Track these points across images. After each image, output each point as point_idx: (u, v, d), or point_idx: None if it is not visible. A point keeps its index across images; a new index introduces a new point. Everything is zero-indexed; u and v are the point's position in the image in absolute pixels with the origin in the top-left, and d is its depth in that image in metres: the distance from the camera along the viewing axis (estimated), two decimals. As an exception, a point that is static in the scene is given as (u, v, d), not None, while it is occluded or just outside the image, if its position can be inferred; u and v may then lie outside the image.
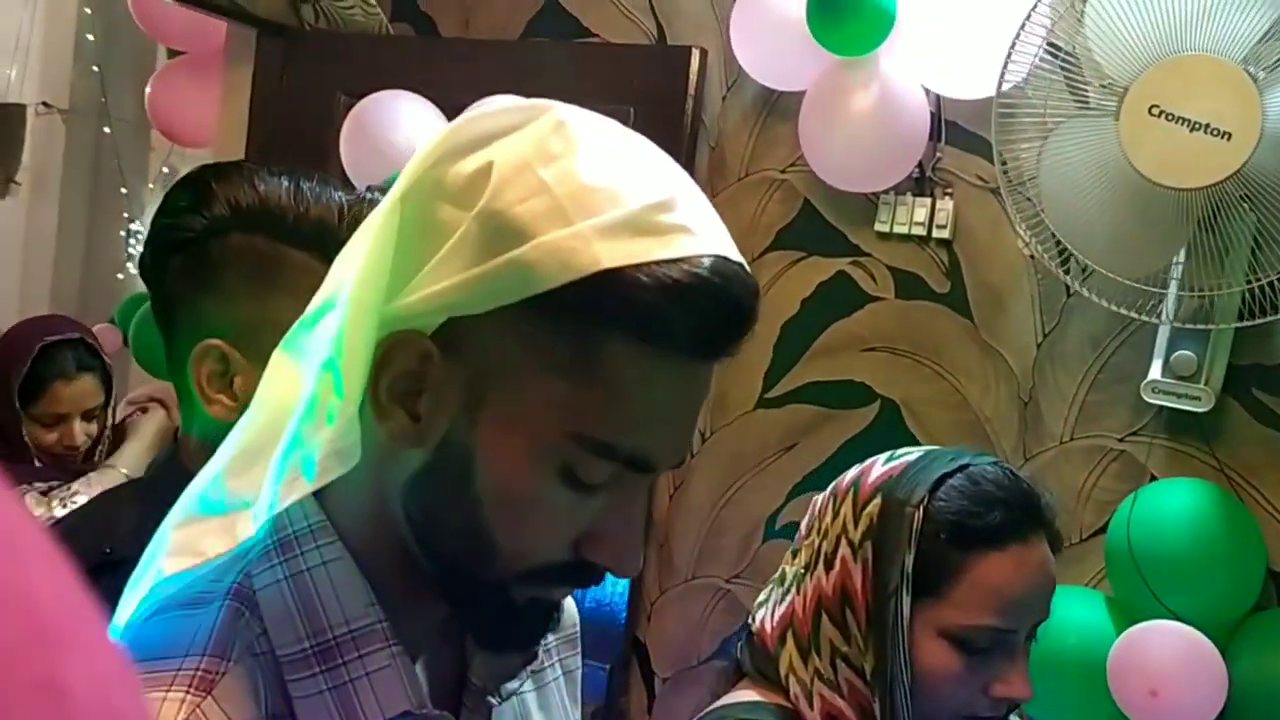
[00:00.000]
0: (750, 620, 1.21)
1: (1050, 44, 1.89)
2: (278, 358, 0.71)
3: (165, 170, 3.76)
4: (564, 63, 2.48)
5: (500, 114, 0.68)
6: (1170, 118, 1.69)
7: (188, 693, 0.64)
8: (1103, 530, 2.02)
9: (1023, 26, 1.85)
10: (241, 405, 1.04)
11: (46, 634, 0.23)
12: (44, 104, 3.86)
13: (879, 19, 2.03)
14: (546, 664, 0.90)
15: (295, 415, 0.68)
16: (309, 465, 0.66)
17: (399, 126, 2.38)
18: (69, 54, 3.87)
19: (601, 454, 0.66)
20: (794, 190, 2.34)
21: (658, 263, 0.63)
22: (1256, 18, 1.67)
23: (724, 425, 2.36)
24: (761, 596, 1.21)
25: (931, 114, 2.14)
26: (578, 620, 0.95)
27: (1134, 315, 1.87)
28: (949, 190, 2.20)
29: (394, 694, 0.70)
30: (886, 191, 2.22)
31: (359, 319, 0.66)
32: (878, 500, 1.12)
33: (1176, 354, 1.91)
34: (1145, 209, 1.76)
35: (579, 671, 0.95)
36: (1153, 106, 1.70)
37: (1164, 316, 1.86)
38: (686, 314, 0.64)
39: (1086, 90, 1.88)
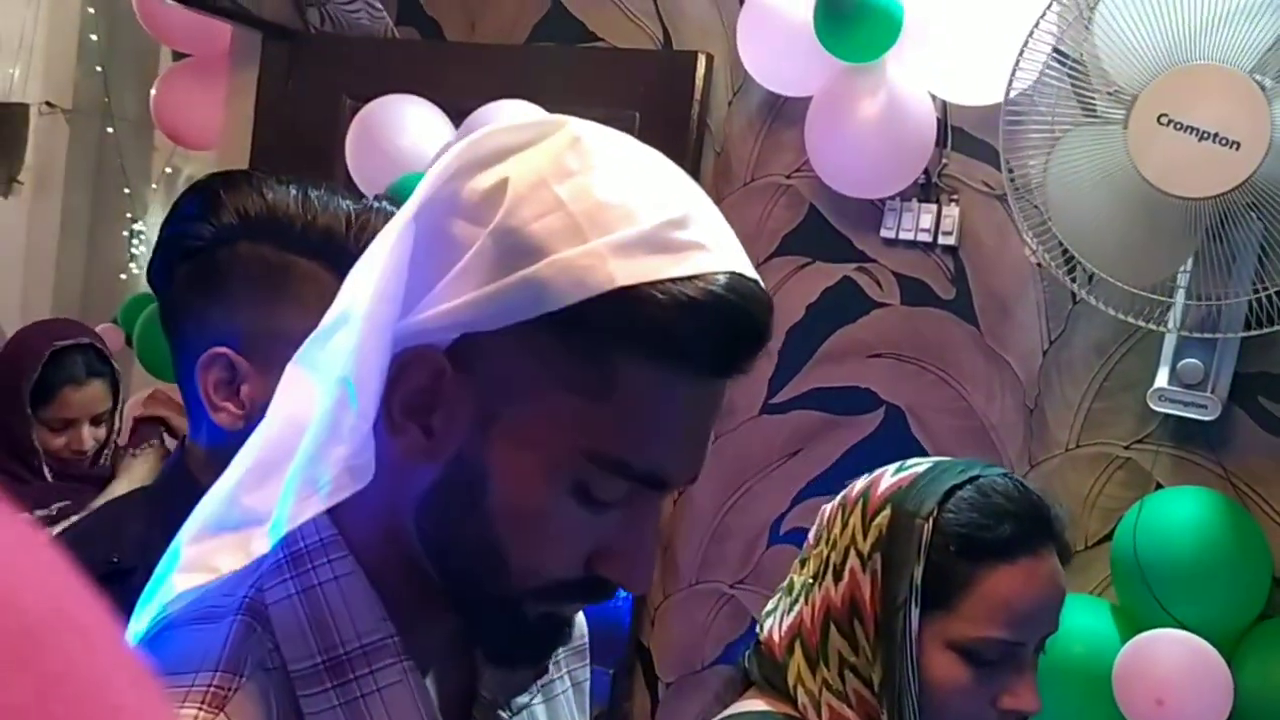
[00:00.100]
0: (758, 629, 1.21)
1: (1058, 51, 1.88)
2: (291, 371, 0.71)
3: (168, 170, 3.77)
4: (569, 67, 2.48)
5: (515, 129, 0.68)
6: (1179, 127, 1.69)
7: (201, 709, 0.64)
8: (1108, 538, 2.02)
9: (1031, 34, 1.84)
10: (249, 414, 1.04)
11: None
12: (47, 104, 3.87)
13: (886, 25, 2.02)
14: (555, 676, 0.90)
15: (309, 431, 0.68)
16: (323, 482, 0.66)
17: (405, 131, 2.37)
18: (72, 54, 3.88)
19: (615, 471, 0.66)
20: (799, 196, 2.33)
21: (673, 280, 0.63)
22: (1266, 27, 1.67)
23: (729, 430, 2.36)
24: (769, 605, 1.21)
25: (938, 120, 2.14)
26: (586, 632, 0.95)
27: (1140, 324, 1.87)
28: (955, 197, 2.19)
29: (405, 709, 0.70)
30: (892, 197, 2.22)
31: (374, 335, 0.66)
32: (887, 511, 1.12)
33: (1183, 362, 1.91)
34: (1153, 217, 1.75)
35: (587, 683, 0.96)
36: (1161, 115, 1.70)
37: (1170, 325, 1.86)
38: (701, 332, 0.64)
39: (1094, 98, 1.88)
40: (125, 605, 0.93)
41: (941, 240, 2.19)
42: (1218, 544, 1.86)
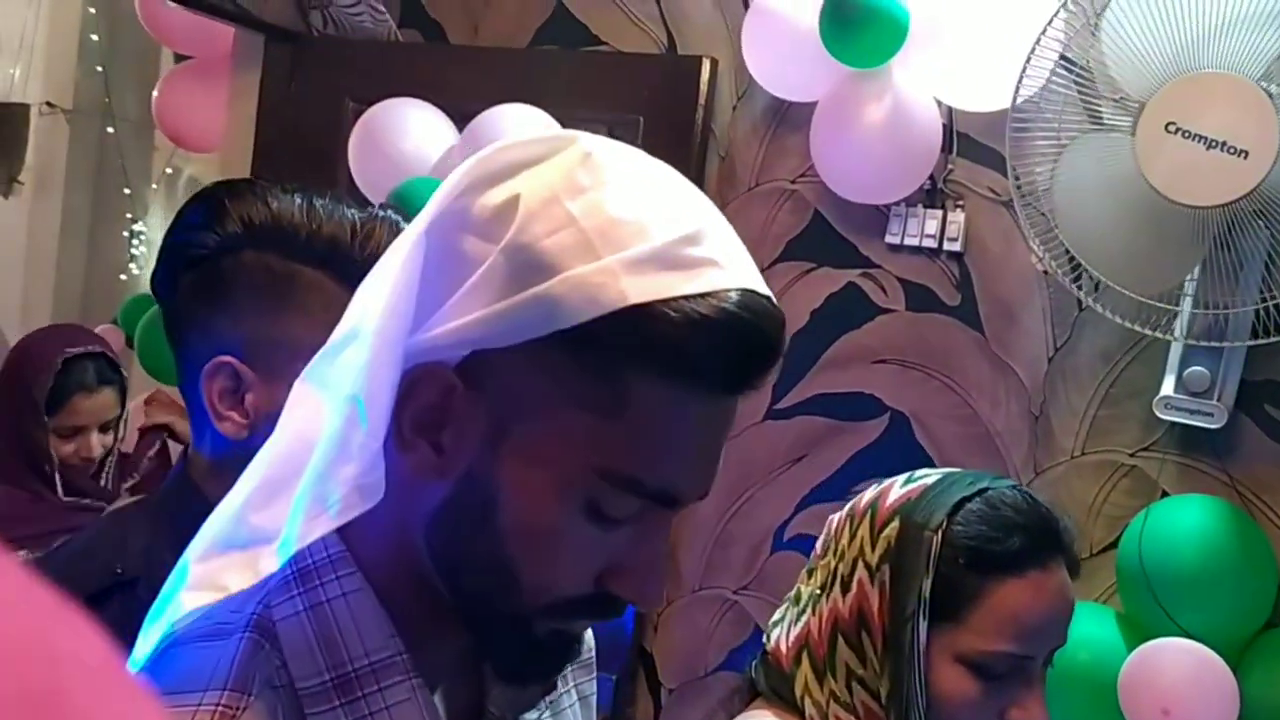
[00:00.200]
0: (764, 639, 1.20)
1: (1065, 58, 1.88)
2: (300, 388, 0.71)
3: (169, 171, 3.76)
4: (573, 71, 2.47)
5: (526, 144, 0.68)
6: (1186, 135, 1.68)
7: None
8: (1113, 545, 2.01)
9: (1038, 41, 1.84)
10: (253, 423, 1.04)
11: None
12: (48, 104, 3.86)
13: (892, 31, 2.02)
14: (562, 690, 0.89)
15: (318, 449, 0.67)
16: (332, 501, 0.66)
17: (407, 134, 2.37)
18: (73, 54, 3.87)
19: (627, 489, 0.66)
20: (804, 201, 2.33)
21: (685, 298, 0.63)
22: (1274, 35, 1.66)
23: (733, 436, 2.33)
24: (776, 615, 1.21)
25: (943, 126, 2.13)
26: (593, 645, 0.94)
27: (1147, 332, 1.86)
28: (960, 202, 2.19)
29: None
30: (898, 203, 2.21)
31: (384, 352, 0.65)
32: (895, 523, 1.11)
33: (1189, 370, 1.90)
34: (1160, 226, 1.75)
35: (594, 697, 0.95)
36: (1169, 123, 1.69)
37: (1177, 333, 1.85)
38: (714, 350, 0.64)
39: (1100, 105, 1.87)
40: (128, 616, 0.92)
41: (947, 246, 2.19)
42: (1224, 552, 1.85)
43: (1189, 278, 1.83)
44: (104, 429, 2.26)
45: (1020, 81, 1.88)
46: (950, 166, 2.18)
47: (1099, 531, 2.08)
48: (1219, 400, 1.90)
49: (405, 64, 2.61)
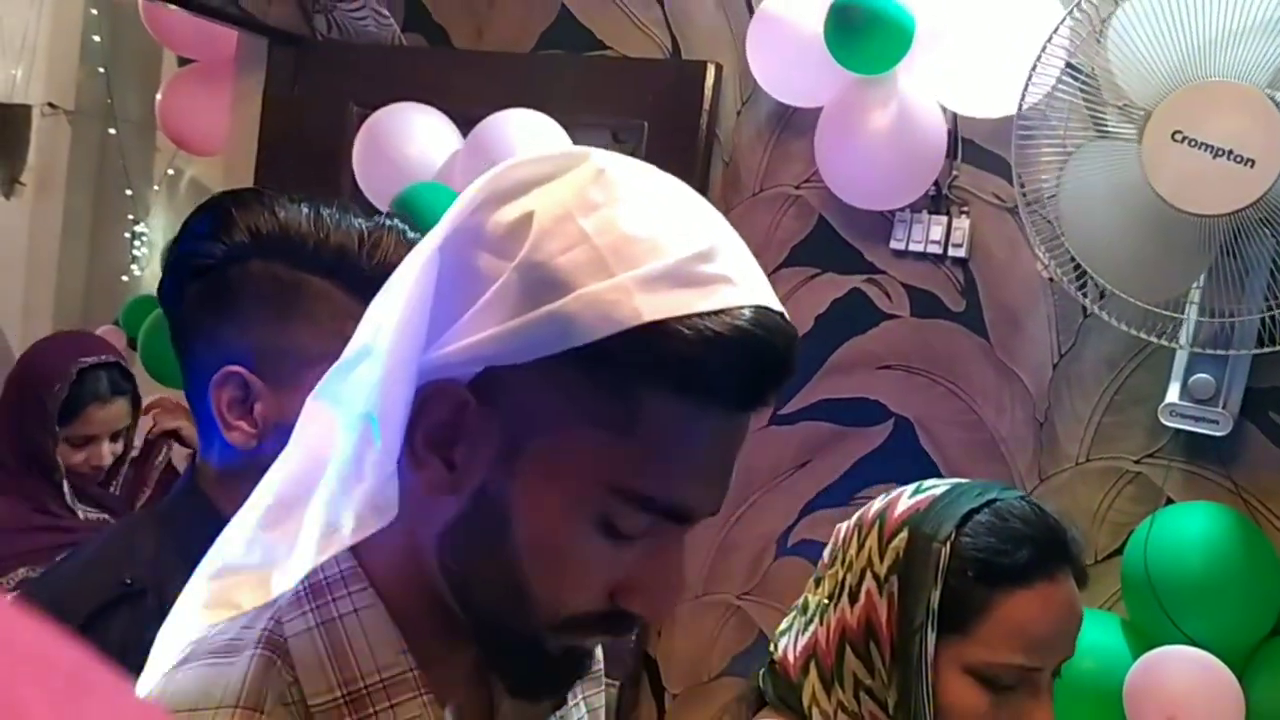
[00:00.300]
0: (771, 648, 1.20)
1: (1070, 65, 1.87)
2: (312, 405, 0.71)
3: (170, 172, 3.76)
4: (577, 76, 2.47)
5: (539, 161, 0.68)
6: (1193, 143, 1.68)
7: None
8: (1118, 552, 2.01)
9: (1044, 48, 1.84)
10: (262, 432, 1.04)
11: None
12: (49, 105, 3.86)
13: (897, 37, 2.01)
14: (571, 703, 0.89)
15: (331, 467, 0.67)
16: (346, 519, 0.66)
17: (412, 139, 2.37)
18: (75, 55, 3.87)
19: (640, 505, 0.66)
20: (809, 206, 2.32)
21: (699, 315, 0.63)
22: (1281, 43, 1.66)
23: (736, 441, 2.35)
24: (783, 625, 1.21)
25: (948, 132, 2.13)
26: (602, 658, 0.94)
27: (1152, 339, 1.86)
28: (965, 209, 2.19)
29: None
30: (902, 209, 2.21)
31: (398, 369, 0.65)
32: (904, 534, 1.11)
33: (1194, 377, 1.90)
34: (1166, 234, 1.75)
35: (603, 709, 0.95)
36: (1175, 132, 1.69)
37: (1182, 341, 1.85)
38: (728, 367, 0.64)
39: (1106, 113, 1.87)
40: (138, 627, 0.92)
41: (952, 252, 2.18)
42: (1229, 560, 1.85)
43: (1194, 285, 1.83)
44: (114, 438, 2.27)
45: (1026, 88, 1.87)
46: (955, 172, 2.18)
47: (1103, 538, 2.08)
48: (1224, 407, 1.90)
49: (409, 68, 2.61)
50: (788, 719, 1.15)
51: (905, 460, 2.21)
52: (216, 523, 0.90)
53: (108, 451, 2.24)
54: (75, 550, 1.12)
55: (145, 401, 2.52)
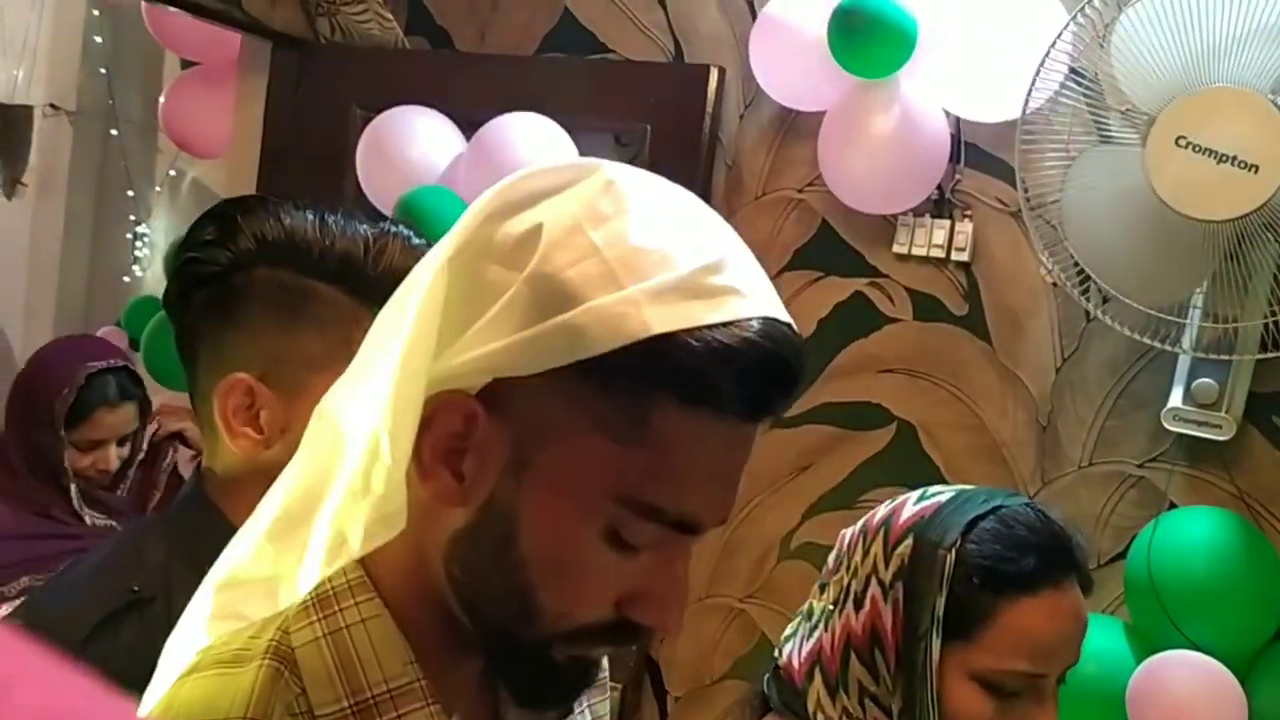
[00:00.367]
0: (776, 653, 1.21)
1: (1074, 70, 1.88)
2: (320, 417, 0.71)
3: (172, 173, 3.75)
4: (580, 79, 2.47)
5: (549, 172, 0.68)
6: (1197, 149, 1.68)
7: None
8: (1120, 556, 2.01)
9: (1048, 53, 1.84)
10: (268, 439, 1.03)
11: None
12: (51, 105, 3.85)
13: (901, 42, 2.02)
14: (576, 711, 0.89)
15: (340, 478, 0.67)
16: (354, 531, 0.66)
17: (415, 142, 2.37)
18: (76, 56, 3.86)
19: (648, 516, 0.66)
20: (811, 210, 2.33)
21: (708, 327, 0.63)
22: (1285, 49, 1.66)
23: (738, 444, 2.35)
24: (788, 631, 1.21)
25: (951, 136, 2.13)
26: (607, 666, 0.94)
27: (1155, 344, 1.86)
28: (968, 212, 2.19)
29: None
30: (905, 213, 2.21)
31: (407, 384, 0.65)
32: (909, 541, 1.11)
33: (1197, 382, 1.90)
34: (1169, 238, 1.75)
35: (607, 716, 0.95)
36: (1179, 138, 1.69)
37: (1185, 345, 1.85)
38: (736, 378, 0.64)
39: (1109, 118, 1.87)
40: (148, 635, 0.92)
41: (954, 256, 2.19)
42: (1232, 564, 1.85)
43: (1198, 290, 1.83)
44: (121, 442, 2.27)
45: (1030, 93, 1.87)
46: (958, 176, 2.18)
47: (1106, 542, 2.08)
48: (1227, 412, 1.90)
49: (412, 71, 2.61)
50: (792, 725, 1.15)
51: (907, 464, 2.21)
52: (223, 529, 0.90)
53: (114, 455, 2.25)
54: (82, 557, 1.11)
55: (166, 418, 2.52)
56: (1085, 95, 1.87)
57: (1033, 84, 1.87)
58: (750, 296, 0.65)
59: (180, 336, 1.09)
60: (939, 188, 2.17)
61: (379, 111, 2.44)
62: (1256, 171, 1.65)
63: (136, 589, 1.00)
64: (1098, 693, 1.86)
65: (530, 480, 0.66)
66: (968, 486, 1.19)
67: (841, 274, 2.30)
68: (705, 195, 2.32)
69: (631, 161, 2.70)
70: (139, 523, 1.23)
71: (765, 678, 1.21)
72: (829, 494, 2.30)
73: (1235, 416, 1.91)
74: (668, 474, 0.65)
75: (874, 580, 1.12)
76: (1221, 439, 1.92)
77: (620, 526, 0.66)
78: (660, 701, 2.45)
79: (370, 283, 1.02)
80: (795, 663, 1.16)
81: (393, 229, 1.08)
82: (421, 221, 2.11)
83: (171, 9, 2.58)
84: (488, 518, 0.67)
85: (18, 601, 1.82)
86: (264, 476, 0.84)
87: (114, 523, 2.20)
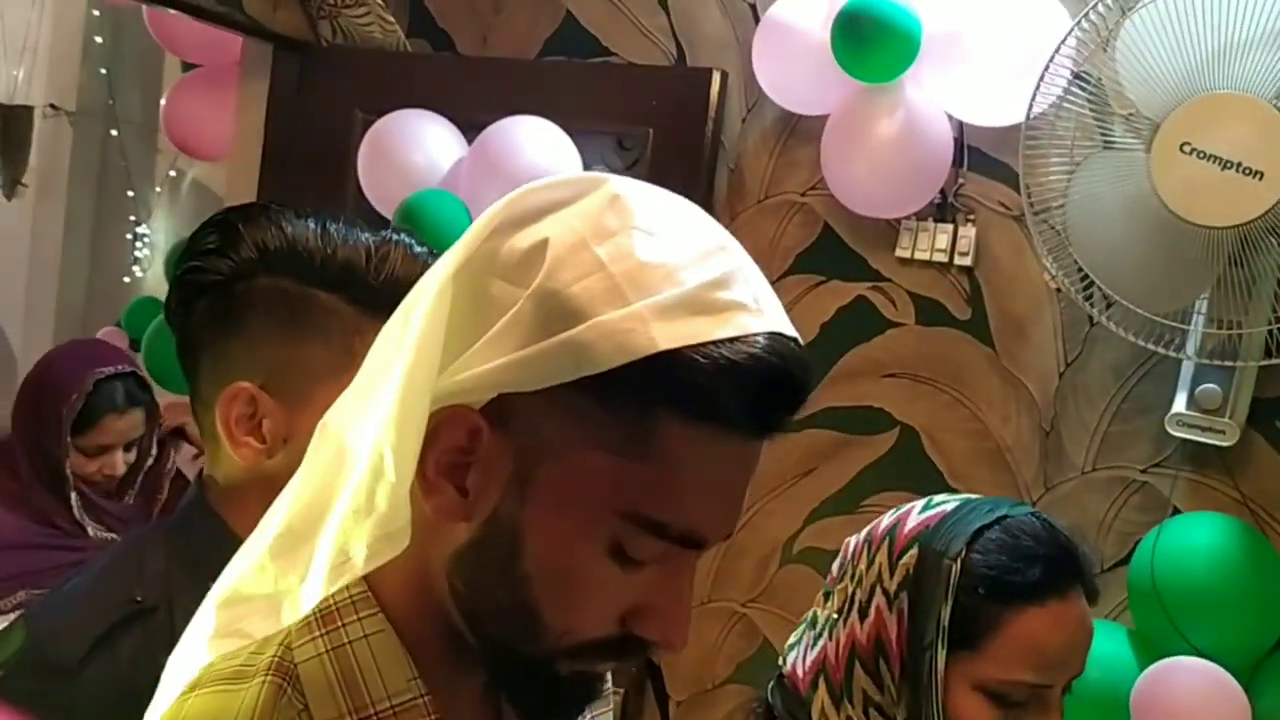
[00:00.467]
0: (780, 661, 1.20)
1: (1078, 75, 1.87)
2: (324, 431, 0.70)
3: (172, 173, 3.75)
4: (583, 82, 2.46)
5: (554, 187, 0.67)
6: (1201, 155, 1.68)
7: None
8: (1124, 562, 2.01)
9: (1052, 58, 1.83)
10: (270, 448, 1.03)
11: None
12: (51, 106, 3.85)
13: (904, 46, 2.01)
14: (579, 721, 0.89)
15: (343, 495, 0.67)
16: (358, 548, 0.65)
17: (417, 146, 2.36)
18: (76, 56, 3.86)
19: (653, 532, 0.66)
20: (814, 214, 2.32)
21: (715, 343, 0.62)
22: (1290, 55, 1.66)
23: (740, 448, 2.35)
24: (792, 638, 1.21)
25: (955, 140, 2.13)
26: (610, 677, 0.94)
27: (1158, 350, 1.86)
28: (971, 217, 2.18)
29: None
30: (908, 217, 2.21)
31: (411, 399, 0.64)
32: (914, 551, 1.11)
33: (1201, 387, 1.90)
34: (1173, 245, 1.75)
35: (611, 728, 0.95)
36: (1184, 143, 1.69)
37: (1189, 351, 1.85)
38: (743, 394, 0.64)
39: (1113, 123, 1.87)
40: (151, 645, 0.92)
41: (957, 260, 2.18)
42: (1236, 570, 1.85)
43: (1201, 296, 1.83)
44: (128, 447, 2.27)
45: (1034, 97, 1.87)
46: (961, 181, 2.17)
47: (1110, 548, 2.08)
48: (1231, 417, 1.90)
49: (414, 74, 2.60)
50: (796, 734, 1.15)
51: (910, 469, 2.21)
52: (225, 538, 0.90)
53: (121, 461, 2.24)
54: (83, 568, 1.11)
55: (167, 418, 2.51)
56: (1089, 100, 1.87)
57: (1037, 89, 1.87)
58: (757, 312, 0.65)
59: (182, 345, 1.09)
60: (942, 192, 2.16)
61: (381, 114, 2.43)
62: (1261, 178, 1.65)
63: (139, 599, 1.00)
64: (1101, 699, 1.85)
65: (534, 495, 0.65)
66: (973, 495, 1.19)
67: (844, 278, 2.29)
68: (707, 199, 2.32)
69: (633, 165, 2.69)
70: (140, 532, 1.22)
71: (769, 686, 1.21)
72: (831, 498, 2.29)
73: (1239, 422, 1.91)
74: (672, 490, 0.65)
75: (879, 589, 1.11)
76: (1225, 444, 1.92)
77: (624, 541, 0.65)
78: (662, 706, 2.44)
79: (372, 291, 1.01)
80: (799, 671, 1.16)
81: (395, 237, 1.07)
82: (423, 225, 2.10)
83: (173, 11, 2.57)
84: (491, 533, 0.66)
85: (13, 615, 1.82)
86: (266, 485, 0.83)
87: (116, 535, 2.20)
